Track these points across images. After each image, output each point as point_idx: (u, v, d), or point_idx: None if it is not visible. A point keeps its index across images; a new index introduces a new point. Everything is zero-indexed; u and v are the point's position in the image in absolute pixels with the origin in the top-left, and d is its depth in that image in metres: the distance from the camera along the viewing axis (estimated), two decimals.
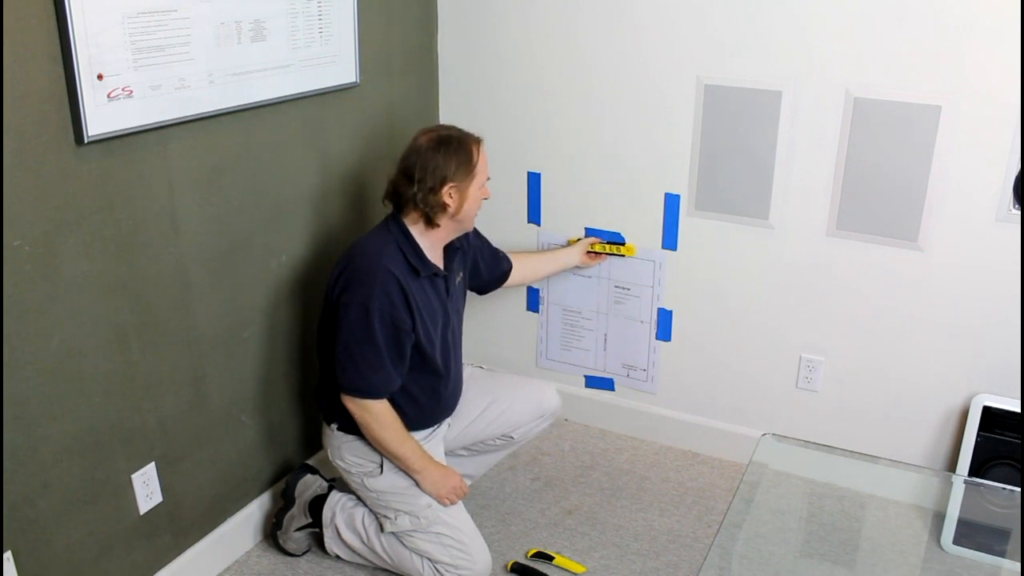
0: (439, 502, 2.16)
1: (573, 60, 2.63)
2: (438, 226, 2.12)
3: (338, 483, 2.36)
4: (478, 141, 2.15)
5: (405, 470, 2.16)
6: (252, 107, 2.09)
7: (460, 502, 2.23)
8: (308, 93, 2.25)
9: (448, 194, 2.08)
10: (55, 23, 1.61)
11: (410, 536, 2.16)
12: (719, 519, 2.48)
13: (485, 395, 2.41)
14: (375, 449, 2.17)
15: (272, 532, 2.35)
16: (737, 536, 2.08)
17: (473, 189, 2.12)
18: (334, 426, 2.21)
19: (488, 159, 2.19)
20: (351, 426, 2.18)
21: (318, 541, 2.33)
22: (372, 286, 2.03)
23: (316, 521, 2.28)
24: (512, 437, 2.42)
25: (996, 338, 2.38)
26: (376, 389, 2.09)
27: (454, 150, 2.09)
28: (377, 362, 2.07)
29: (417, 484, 2.16)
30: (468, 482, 2.53)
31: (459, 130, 2.16)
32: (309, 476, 2.35)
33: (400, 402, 2.17)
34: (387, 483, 2.17)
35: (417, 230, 2.13)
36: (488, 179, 2.18)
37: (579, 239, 2.79)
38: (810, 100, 2.38)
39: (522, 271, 2.60)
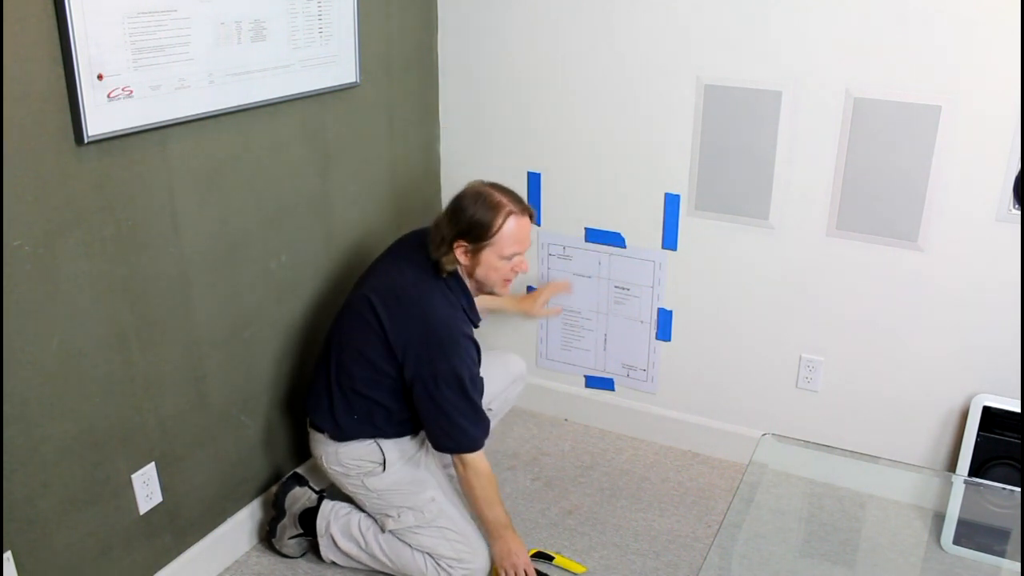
0: (499, 568, 2.18)
1: (573, 60, 2.63)
2: (451, 275, 2.11)
3: (327, 492, 2.35)
4: (514, 213, 2.05)
5: (486, 531, 2.19)
6: (252, 107, 2.09)
7: (458, 499, 2.24)
8: (308, 93, 2.25)
9: (459, 250, 2.07)
10: (55, 23, 1.61)
11: (414, 532, 2.16)
12: (719, 519, 2.48)
13: None
14: (377, 448, 2.18)
15: (267, 538, 2.35)
16: (737, 536, 2.08)
17: (490, 257, 2.07)
18: (325, 434, 2.21)
19: (529, 234, 2.11)
20: (346, 433, 2.18)
21: (315, 546, 2.32)
22: (460, 355, 2.07)
23: (308, 531, 2.28)
24: (490, 409, 2.43)
25: (996, 338, 2.38)
26: (479, 440, 2.13)
27: (477, 210, 2.05)
28: (475, 415, 2.11)
29: (489, 548, 2.19)
30: None
31: (506, 194, 2.08)
32: (298, 488, 2.33)
33: (399, 411, 2.17)
34: (390, 480, 2.16)
35: (471, 284, 2.16)
36: (519, 254, 2.09)
37: (536, 292, 2.78)
38: (810, 100, 2.38)
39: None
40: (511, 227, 2.06)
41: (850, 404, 2.63)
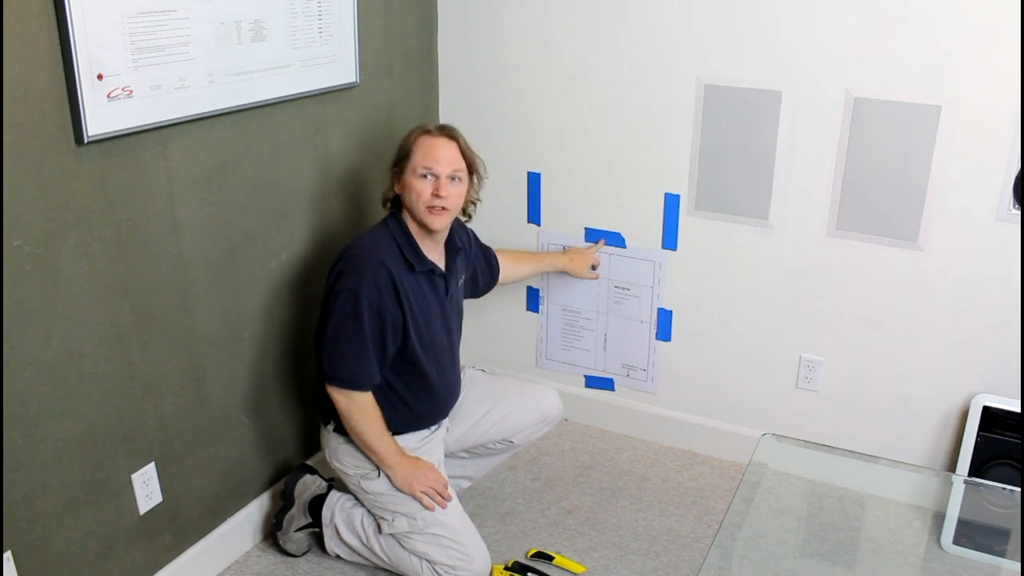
0: (417, 500, 2.14)
1: (573, 60, 2.63)
2: (399, 217, 2.15)
3: (337, 483, 2.36)
4: (427, 132, 2.12)
5: (379, 465, 2.15)
6: (252, 107, 2.09)
7: (457, 501, 2.22)
8: (308, 93, 2.25)
9: (396, 181, 2.15)
10: (55, 23, 1.61)
11: (408, 538, 2.15)
12: (719, 519, 2.48)
13: (486, 399, 2.40)
14: None
15: (272, 533, 2.35)
16: (737, 536, 2.08)
17: (409, 179, 2.09)
18: (331, 427, 2.21)
19: (449, 157, 2.10)
20: (338, 425, 2.18)
21: (318, 541, 2.33)
22: (363, 275, 2.04)
23: (316, 521, 2.28)
24: (512, 442, 2.42)
25: (996, 338, 2.38)
26: (360, 379, 2.09)
27: (403, 137, 2.16)
28: (362, 351, 2.07)
29: (390, 480, 2.15)
30: (467, 483, 2.53)
31: (431, 123, 2.18)
32: (308, 476, 2.34)
33: (391, 401, 2.17)
34: (384, 485, 2.16)
35: (414, 227, 2.14)
36: (435, 175, 2.07)
37: (579, 248, 2.80)
38: (810, 100, 2.38)
39: (505, 273, 2.60)
40: (422, 142, 2.11)
41: (850, 404, 2.63)
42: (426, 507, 2.14)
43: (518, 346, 3.05)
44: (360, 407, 2.11)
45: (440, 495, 2.16)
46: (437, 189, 2.08)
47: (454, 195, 2.11)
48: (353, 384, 2.09)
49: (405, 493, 2.14)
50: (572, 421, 3.04)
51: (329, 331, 2.08)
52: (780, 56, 2.38)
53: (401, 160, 2.13)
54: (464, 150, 2.15)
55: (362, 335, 2.05)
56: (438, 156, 2.09)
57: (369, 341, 2.06)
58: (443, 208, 2.09)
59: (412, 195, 2.09)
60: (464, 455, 2.45)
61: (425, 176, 2.08)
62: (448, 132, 2.14)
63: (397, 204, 2.18)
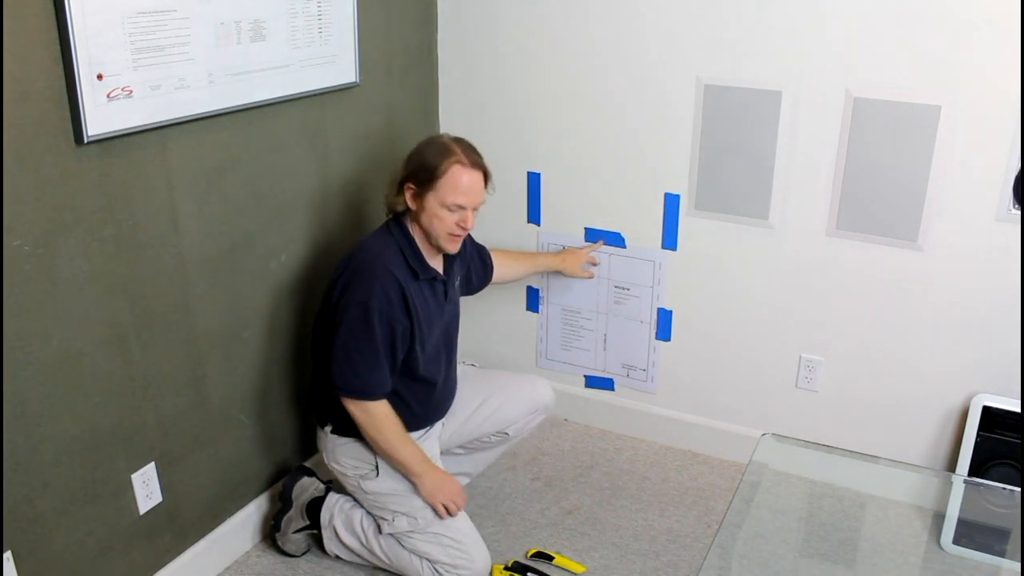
0: (434, 509, 2.14)
1: (573, 60, 2.63)
2: (403, 223, 2.12)
3: (335, 484, 2.36)
4: (463, 163, 2.04)
5: (404, 473, 2.15)
6: (252, 107, 2.09)
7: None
8: (308, 93, 2.25)
9: (408, 193, 2.08)
10: (55, 23, 1.61)
11: (409, 537, 2.15)
12: (719, 519, 2.48)
13: (478, 393, 2.41)
14: (370, 451, 2.17)
15: (271, 534, 2.35)
16: (737, 536, 2.08)
17: (432, 203, 2.05)
18: (328, 428, 2.21)
19: (478, 190, 2.07)
20: (346, 428, 2.18)
21: (318, 541, 2.33)
22: (372, 285, 2.03)
23: (314, 523, 2.28)
24: (507, 433, 2.42)
25: (996, 338, 2.38)
26: (373, 389, 2.09)
27: (426, 153, 2.07)
28: (374, 361, 2.07)
29: (415, 488, 2.15)
30: (466, 480, 2.53)
31: (462, 146, 2.08)
32: (306, 479, 2.34)
33: (392, 403, 2.16)
34: (383, 485, 2.16)
35: (417, 234, 2.13)
36: (462, 208, 2.05)
37: (574, 249, 2.79)
38: (810, 100, 2.38)
39: (499, 273, 2.59)
40: (455, 175, 2.04)
41: (850, 404, 2.63)
42: (439, 515, 2.14)
43: (518, 346, 3.05)
44: (376, 417, 2.11)
45: (456, 506, 2.16)
46: (464, 221, 2.07)
47: (472, 220, 2.11)
48: (366, 395, 2.09)
49: (426, 501, 2.14)
50: (572, 421, 3.04)
51: (340, 343, 2.06)
52: (780, 56, 2.38)
53: (425, 180, 2.05)
54: (486, 174, 2.11)
55: (374, 346, 2.05)
56: (471, 192, 2.06)
57: (381, 351, 2.06)
58: (461, 232, 2.10)
59: (435, 221, 2.06)
60: (460, 451, 2.45)
61: (454, 209, 2.06)
62: (477, 162, 2.08)
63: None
